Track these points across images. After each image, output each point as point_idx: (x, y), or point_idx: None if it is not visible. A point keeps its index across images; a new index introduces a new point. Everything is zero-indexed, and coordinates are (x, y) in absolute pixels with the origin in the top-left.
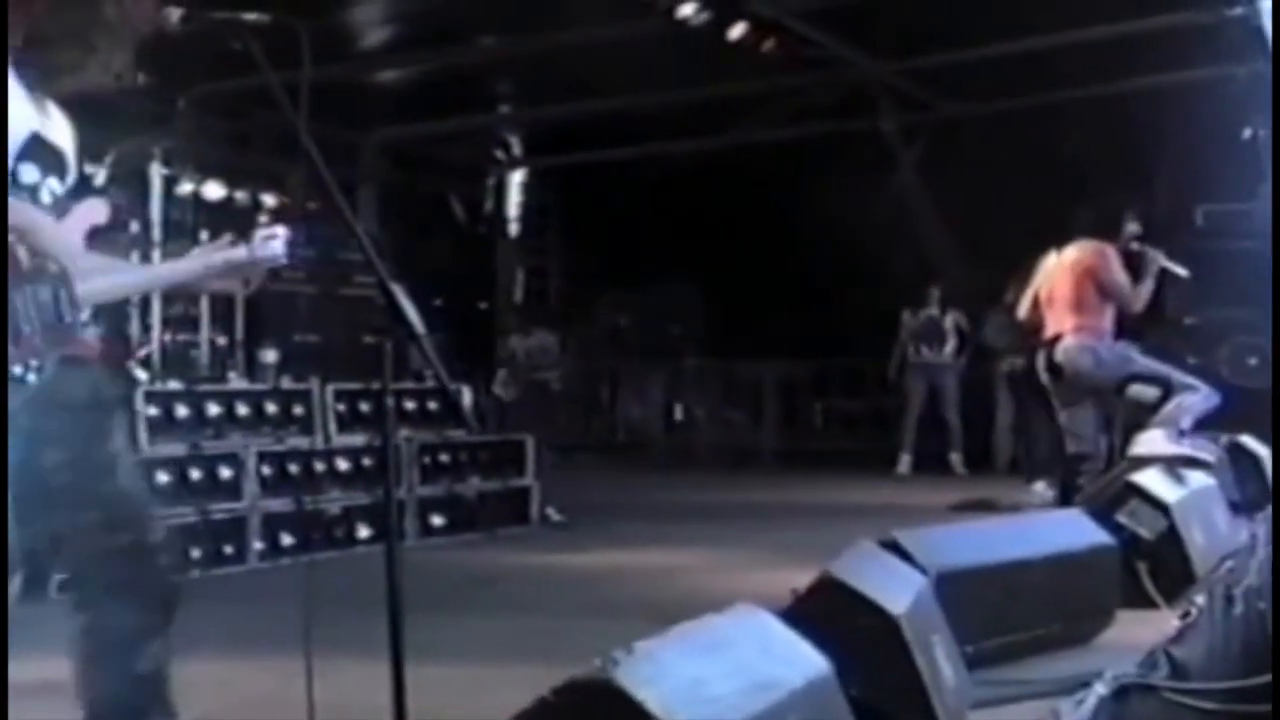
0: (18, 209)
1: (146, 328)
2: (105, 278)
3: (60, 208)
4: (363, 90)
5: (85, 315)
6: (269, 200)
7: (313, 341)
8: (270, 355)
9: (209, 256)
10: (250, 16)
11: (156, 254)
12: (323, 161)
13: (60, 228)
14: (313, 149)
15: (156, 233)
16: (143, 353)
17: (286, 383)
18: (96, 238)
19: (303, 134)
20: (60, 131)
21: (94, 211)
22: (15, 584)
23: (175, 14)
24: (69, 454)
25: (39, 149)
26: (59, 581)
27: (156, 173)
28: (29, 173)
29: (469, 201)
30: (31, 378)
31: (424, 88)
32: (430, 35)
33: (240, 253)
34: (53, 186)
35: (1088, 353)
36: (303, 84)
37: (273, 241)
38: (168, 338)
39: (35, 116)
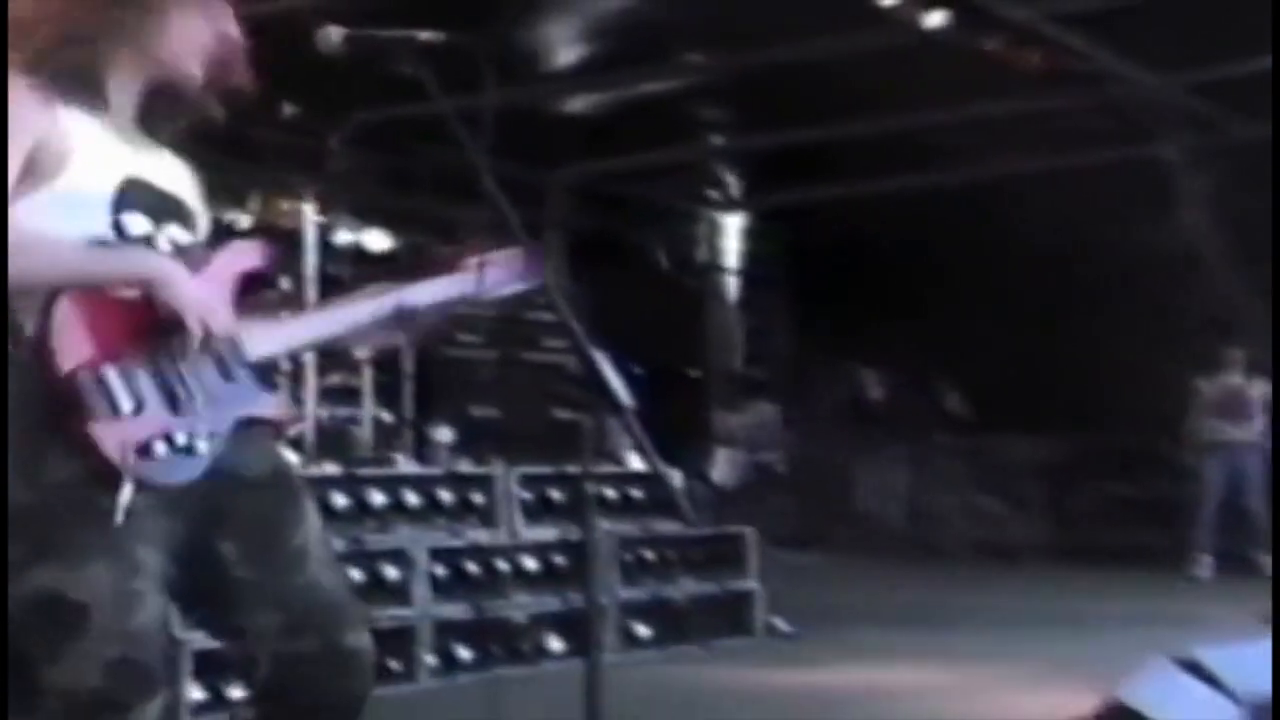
0: (134, 257)
1: (298, 401)
2: (281, 328)
3: (193, 258)
4: (549, 120)
5: (258, 374)
6: (439, 250)
7: (494, 417)
8: (444, 434)
9: (426, 289)
10: (424, 35)
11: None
12: (504, 200)
13: (201, 279)
14: (495, 190)
15: (310, 289)
16: (294, 431)
17: (463, 466)
18: (254, 286)
19: (484, 172)
20: (173, 175)
21: (242, 256)
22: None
23: (335, 34)
24: (250, 542)
25: (142, 195)
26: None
27: (308, 220)
28: (137, 223)
29: (677, 250)
30: (201, 446)
31: (621, 116)
32: (628, 54)
33: (465, 283)
34: (174, 235)
35: None
36: (484, 113)
37: (506, 267)
38: (323, 413)
39: (130, 158)
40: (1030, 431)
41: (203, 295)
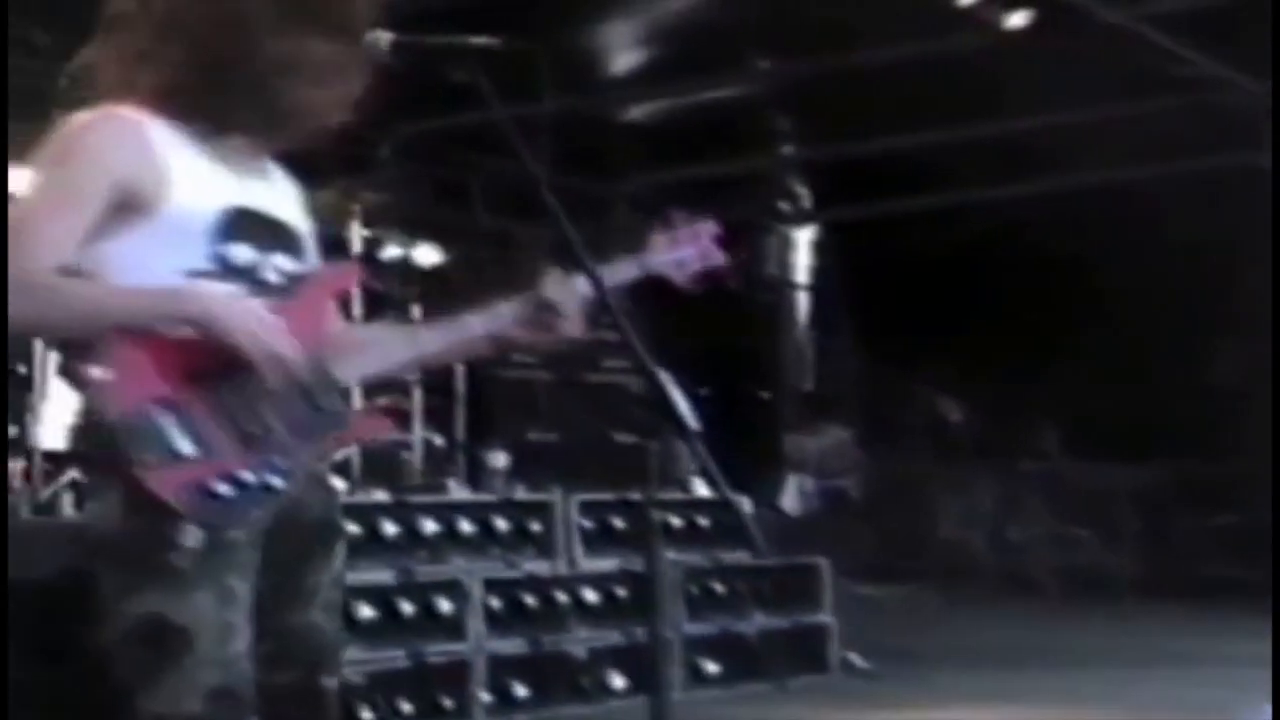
0: (179, 296)
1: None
2: (376, 349)
3: (299, 283)
4: (610, 129)
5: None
6: (498, 269)
7: (552, 441)
8: (499, 459)
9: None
10: (479, 40)
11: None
12: (565, 215)
13: (292, 305)
14: (555, 202)
15: (357, 307)
16: (340, 455)
17: (520, 493)
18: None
19: (543, 183)
20: (282, 198)
21: (337, 277)
22: None
23: (385, 39)
24: (276, 577)
25: (247, 223)
26: None
27: (356, 234)
28: (241, 253)
29: (745, 266)
30: (277, 482)
31: (686, 125)
32: (693, 59)
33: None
34: (281, 264)
35: None
36: (542, 122)
37: (688, 246)
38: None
39: (235, 185)
40: (1125, 458)
41: (266, 326)
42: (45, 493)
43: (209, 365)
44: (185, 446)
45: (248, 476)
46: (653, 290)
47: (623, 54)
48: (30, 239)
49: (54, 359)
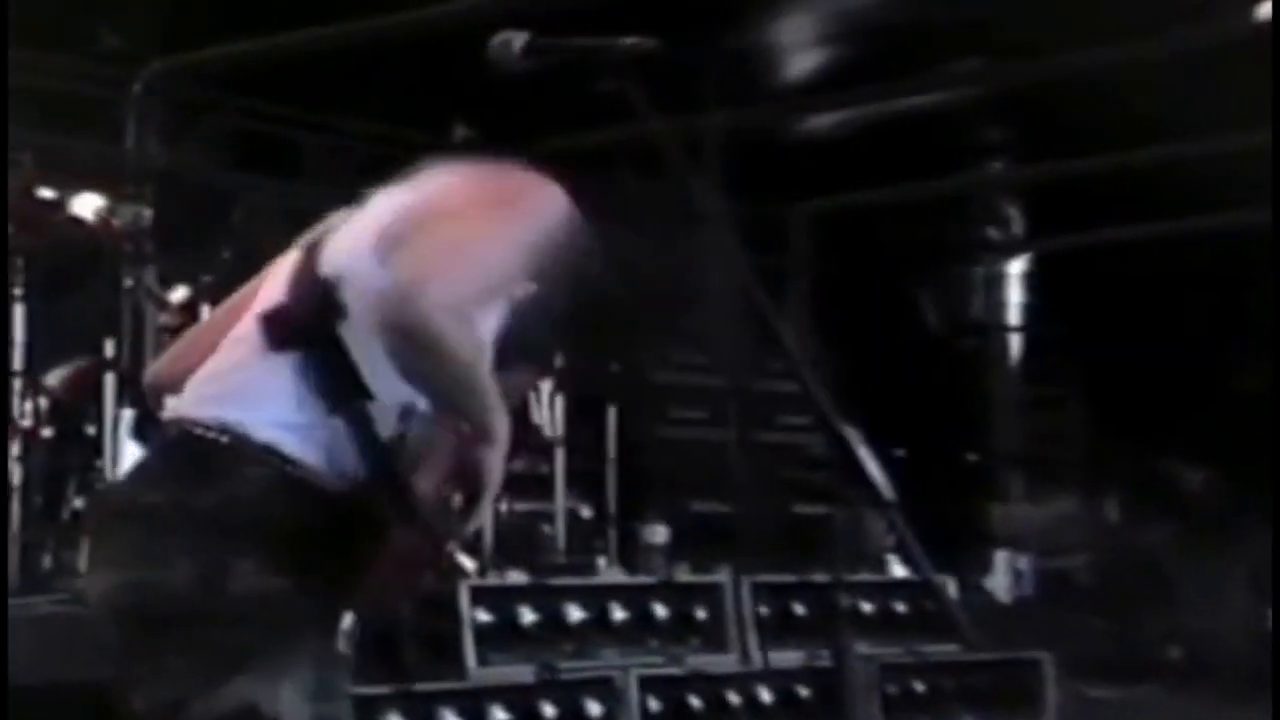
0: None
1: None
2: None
3: None
4: (786, 143)
5: None
6: None
7: (720, 512)
8: (658, 533)
9: None
10: (631, 42)
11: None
12: (737, 247)
13: None
14: (723, 229)
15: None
16: (470, 529)
17: (683, 573)
18: None
19: (708, 209)
20: None
21: None
22: None
23: (518, 42)
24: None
25: None
26: None
27: None
28: None
29: (945, 302)
30: None
31: (874, 137)
32: (883, 63)
33: None
34: None
35: None
36: (707, 137)
37: None
38: (505, 506)
39: None
40: None
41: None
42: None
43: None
44: None
45: None
46: (838, 334)
47: (800, 56)
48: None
49: (127, 417)
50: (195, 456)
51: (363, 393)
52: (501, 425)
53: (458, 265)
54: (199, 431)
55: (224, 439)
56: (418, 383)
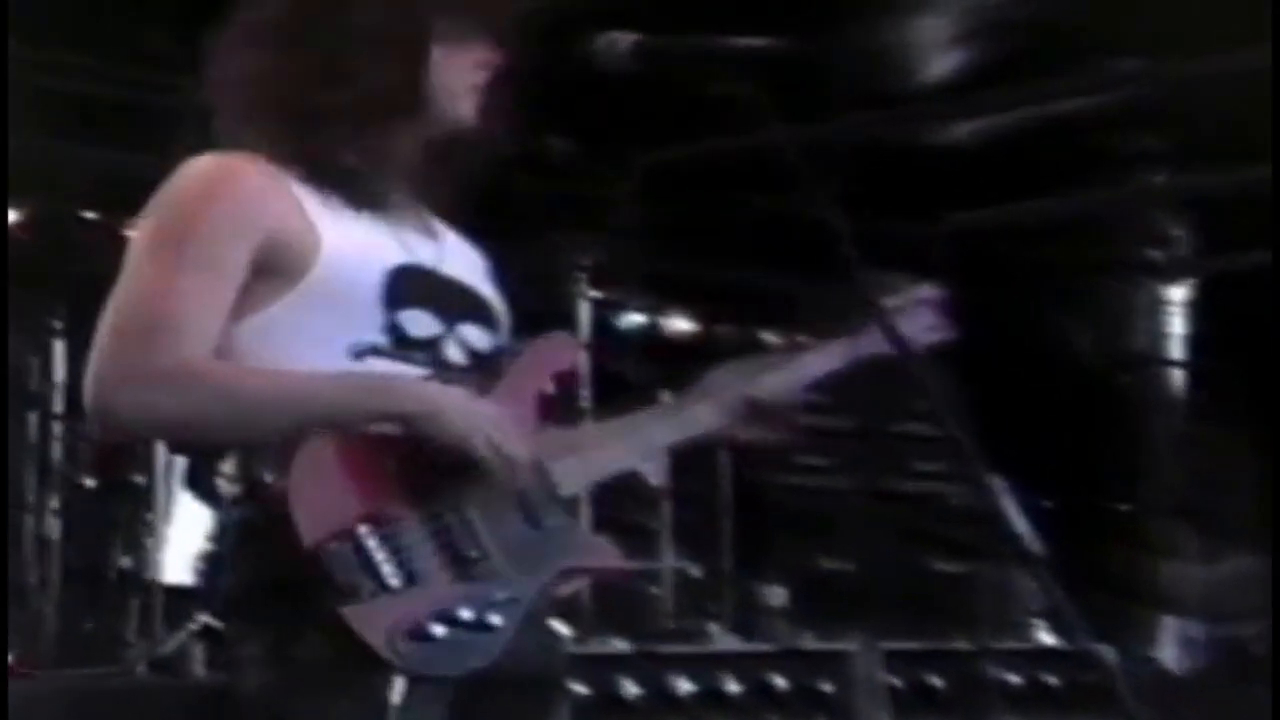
0: (386, 385)
1: None
2: (600, 452)
3: (494, 366)
4: (923, 153)
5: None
6: (770, 338)
7: (847, 571)
8: (778, 594)
9: (812, 361)
10: (749, 42)
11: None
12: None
13: (497, 394)
14: (852, 250)
15: (585, 390)
16: (564, 591)
17: (806, 640)
18: (564, 395)
19: (841, 228)
20: (462, 259)
21: (550, 355)
22: None
23: (622, 42)
24: None
25: (422, 286)
26: None
27: (582, 296)
28: (420, 322)
29: (1100, 332)
30: (496, 619)
31: (1019, 145)
32: (1027, 60)
33: (861, 346)
34: (469, 338)
35: None
36: (833, 147)
37: (918, 311)
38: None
39: (399, 243)
40: None
41: (493, 419)
42: (170, 643)
43: (420, 472)
44: (394, 577)
45: (465, 614)
46: (978, 367)
47: (937, 56)
48: (175, 318)
49: (180, 467)
50: None
51: None
52: (373, 401)
53: (105, 331)
54: None
55: None
56: (204, 446)
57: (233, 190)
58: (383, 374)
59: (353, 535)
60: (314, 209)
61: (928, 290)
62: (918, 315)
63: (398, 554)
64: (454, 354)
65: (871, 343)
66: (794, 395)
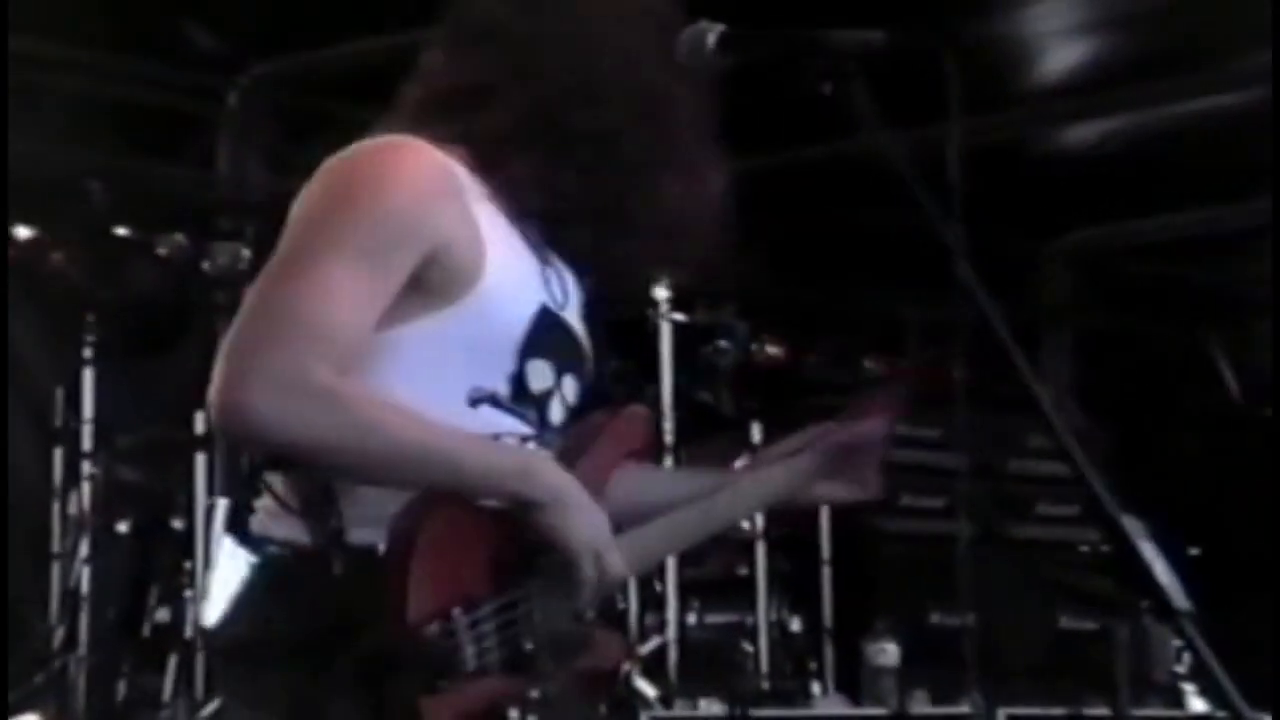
0: (525, 461)
1: (652, 602)
2: (661, 524)
3: (576, 435)
4: (1039, 161)
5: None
6: (871, 365)
7: (962, 626)
8: (887, 651)
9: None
10: (853, 35)
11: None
12: (981, 290)
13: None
14: (968, 270)
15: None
16: (648, 647)
17: (919, 702)
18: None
19: (954, 245)
20: (574, 302)
21: (630, 431)
22: None
23: (711, 34)
24: None
25: (553, 333)
26: None
27: (664, 320)
28: (541, 374)
29: (1247, 360)
30: None
31: (1153, 152)
32: (1161, 56)
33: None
34: (569, 393)
35: None
36: (949, 152)
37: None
38: (691, 619)
39: (541, 280)
40: None
41: (605, 535)
42: (211, 705)
43: (509, 554)
44: (469, 665)
45: (513, 714)
46: (1110, 400)
47: (1060, 50)
48: (335, 324)
49: (222, 509)
50: None
51: None
52: (510, 468)
53: (253, 317)
54: None
55: None
56: (339, 478)
57: (417, 175)
58: (534, 453)
59: (449, 616)
60: (484, 219)
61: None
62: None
63: (478, 641)
64: (555, 413)
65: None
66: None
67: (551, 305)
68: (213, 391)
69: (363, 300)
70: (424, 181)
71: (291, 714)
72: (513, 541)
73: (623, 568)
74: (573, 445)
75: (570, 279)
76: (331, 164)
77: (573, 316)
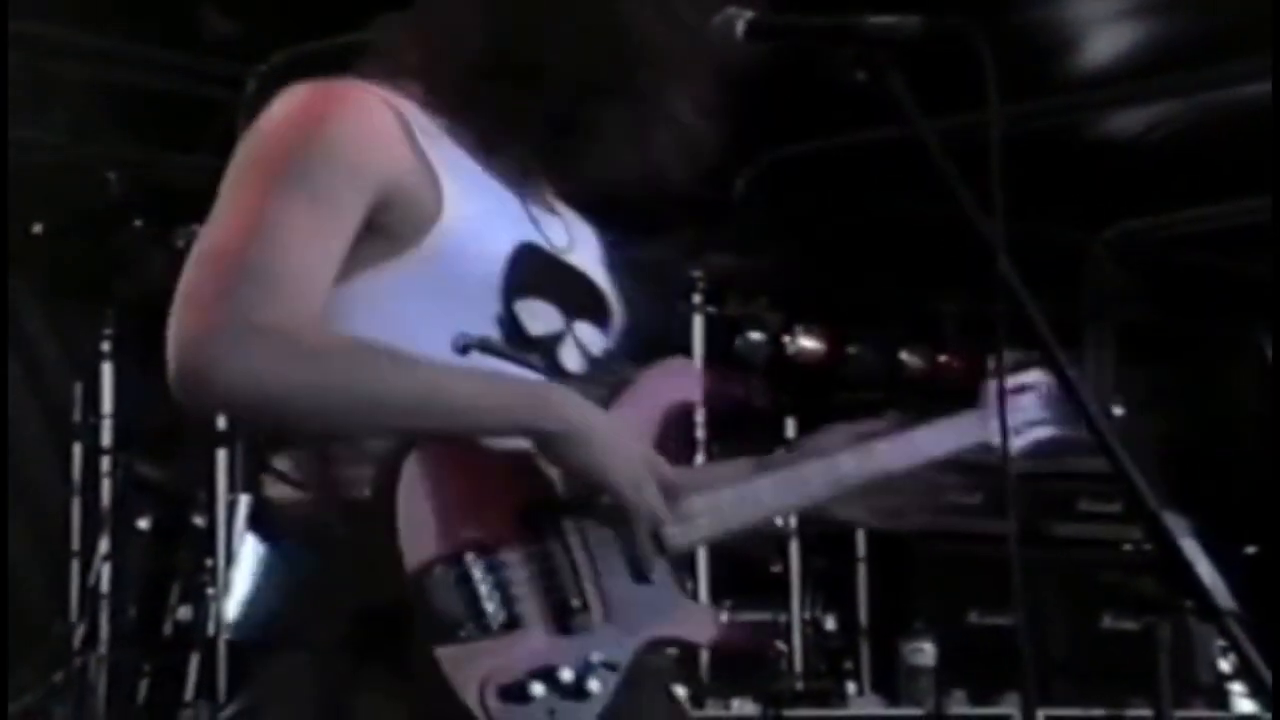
0: (539, 393)
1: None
2: (729, 494)
3: (607, 376)
4: (1083, 149)
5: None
6: (909, 359)
7: (1004, 626)
8: (924, 652)
9: (930, 436)
10: (887, 20)
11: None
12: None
13: (614, 419)
14: (1008, 266)
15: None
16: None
17: (958, 704)
18: (681, 429)
19: (994, 238)
20: (583, 244)
21: (674, 383)
22: None
23: (740, 21)
24: None
25: (546, 272)
26: None
27: (696, 311)
28: (540, 316)
29: None
30: (594, 685)
31: (1202, 140)
32: (1213, 38)
33: (968, 426)
34: (586, 339)
35: None
36: (990, 142)
37: (1024, 397)
38: (725, 615)
39: (523, 218)
40: None
41: (645, 459)
42: (234, 706)
43: (534, 498)
44: (497, 618)
45: (566, 674)
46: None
47: (1107, 33)
48: (292, 262)
49: (244, 505)
50: None
51: None
52: (507, 401)
53: (198, 273)
54: None
55: None
56: (319, 432)
57: (356, 117)
58: (545, 383)
59: (459, 561)
60: (436, 157)
61: (1038, 375)
62: (1024, 404)
63: (502, 590)
64: (570, 359)
65: (975, 429)
66: (914, 472)
67: (541, 244)
68: (170, 360)
69: (312, 237)
70: (363, 119)
71: (319, 697)
72: (541, 486)
73: (663, 502)
74: (609, 394)
75: (582, 226)
76: (269, 110)
77: (583, 262)
